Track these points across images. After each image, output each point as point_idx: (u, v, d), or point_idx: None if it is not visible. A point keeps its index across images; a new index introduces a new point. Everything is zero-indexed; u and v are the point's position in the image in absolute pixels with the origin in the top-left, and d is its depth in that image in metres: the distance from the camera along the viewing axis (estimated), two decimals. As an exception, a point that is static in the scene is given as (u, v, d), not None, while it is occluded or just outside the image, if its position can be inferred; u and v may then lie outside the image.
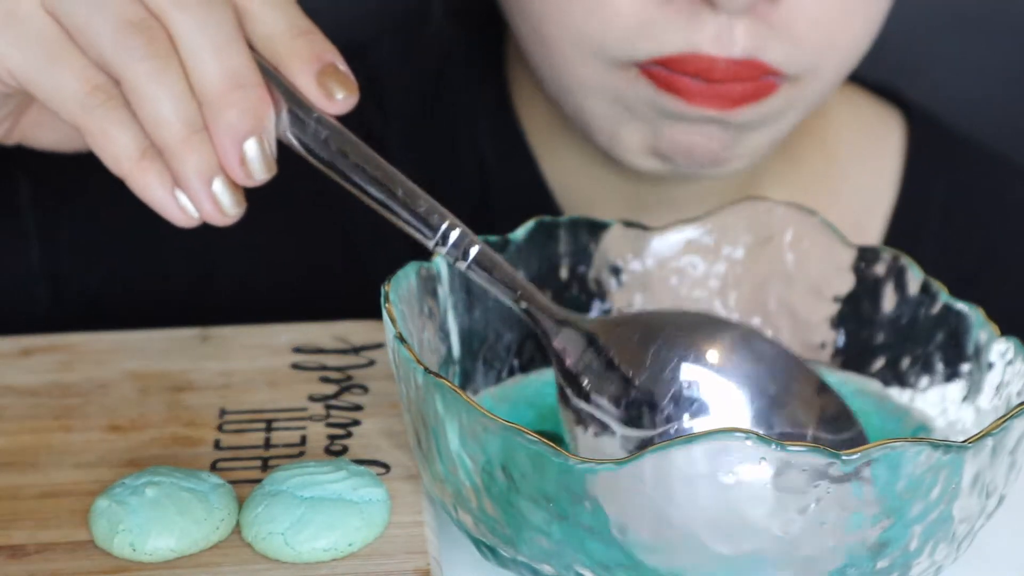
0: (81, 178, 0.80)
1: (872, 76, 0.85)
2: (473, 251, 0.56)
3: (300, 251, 0.80)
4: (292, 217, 0.80)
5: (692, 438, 0.47)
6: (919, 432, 0.60)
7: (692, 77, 0.66)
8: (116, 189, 0.79)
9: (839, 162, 0.82)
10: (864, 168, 0.83)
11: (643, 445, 0.56)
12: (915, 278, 0.61)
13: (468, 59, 0.82)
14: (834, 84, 0.71)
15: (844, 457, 0.47)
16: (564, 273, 0.63)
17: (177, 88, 0.51)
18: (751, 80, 0.66)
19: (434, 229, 0.55)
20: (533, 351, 0.63)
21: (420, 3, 0.89)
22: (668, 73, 0.66)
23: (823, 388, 0.59)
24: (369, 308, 0.61)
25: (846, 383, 0.63)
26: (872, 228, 0.82)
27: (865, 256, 0.63)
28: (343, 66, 0.53)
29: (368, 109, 0.82)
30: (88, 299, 0.79)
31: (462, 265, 0.56)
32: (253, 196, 0.83)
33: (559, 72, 0.70)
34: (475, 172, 0.81)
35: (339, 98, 0.53)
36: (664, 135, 0.69)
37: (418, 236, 0.55)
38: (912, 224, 0.82)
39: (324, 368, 0.64)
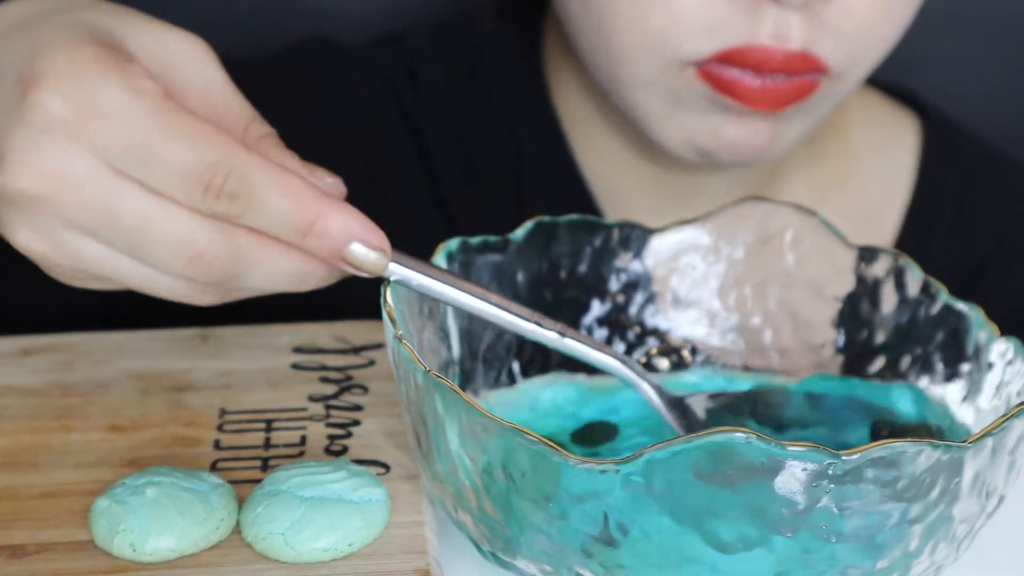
0: None
1: (872, 75, 0.86)
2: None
3: (394, 227, 0.81)
4: (349, 179, 0.81)
5: (692, 438, 0.47)
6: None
7: (748, 71, 0.69)
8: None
9: (858, 157, 0.85)
10: (881, 163, 0.86)
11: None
12: (915, 278, 0.61)
13: (504, 47, 0.84)
14: (865, 78, 0.74)
15: (844, 457, 0.47)
16: (564, 273, 0.63)
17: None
18: (800, 72, 0.69)
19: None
20: (533, 352, 0.63)
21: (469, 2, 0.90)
22: (725, 74, 0.70)
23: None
24: (369, 308, 0.61)
25: (846, 383, 0.63)
26: (889, 220, 0.85)
27: (865, 256, 0.63)
28: (364, 233, 0.53)
29: (405, 94, 0.83)
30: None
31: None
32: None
33: (619, 67, 0.72)
34: (511, 158, 0.82)
35: (377, 269, 0.53)
36: (712, 129, 0.72)
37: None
38: (927, 216, 0.85)
39: (324, 368, 0.64)
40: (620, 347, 0.64)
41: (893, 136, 0.86)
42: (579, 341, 0.58)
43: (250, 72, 0.83)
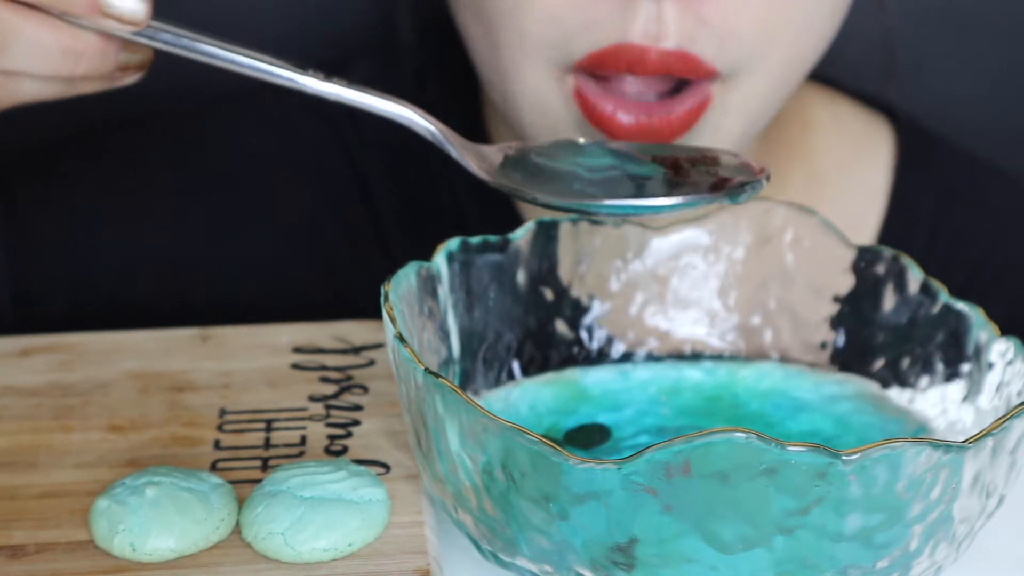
0: (78, 180, 0.80)
1: (868, 76, 0.85)
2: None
3: (300, 251, 0.80)
4: (292, 217, 0.80)
5: (693, 438, 0.47)
6: (919, 433, 0.60)
7: (623, 74, 0.65)
8: (118, 190, 0.80)
9: (826, 179, 0.81)
10: (852, 184, 0.82)
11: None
12: (915, 278, 0.61)
13: (443, 84, 0.81)
14: (780, 85, 0.69)
15: (844, 457, 0.47)
16: (564, 273, 0.63)
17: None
18: (681, 73, 0.65)
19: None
20: (533, 351, 0.63)
21: (387, 26, 0.87)
22: (599, 104, 0.66)
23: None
24: (369, 308, 0.61)
25: (845, 383, 0.63)
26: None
27: (865, 256, 0.63)
28: None
29: (347, 133, 0.81)
30: (55, 312, 0.79)
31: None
32: (254, 196, 0.83)
33: (504, 78, 0.69)
34: (451, 200, 0.80)
35: (136, 17, 0.54)
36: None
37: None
38: (900, 239, 0.80)
39: (324, 368, 0.64)
40: (620, 347, 0.64)
41: (864, 153, 0.82)
42: (347, 86, 0.58)
43: (192, 113, 0.83)
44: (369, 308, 0.70)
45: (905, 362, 0.62)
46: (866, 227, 0.82)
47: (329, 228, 0.81)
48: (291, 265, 0.80)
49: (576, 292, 0.64)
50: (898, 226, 0.81)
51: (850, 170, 0.82)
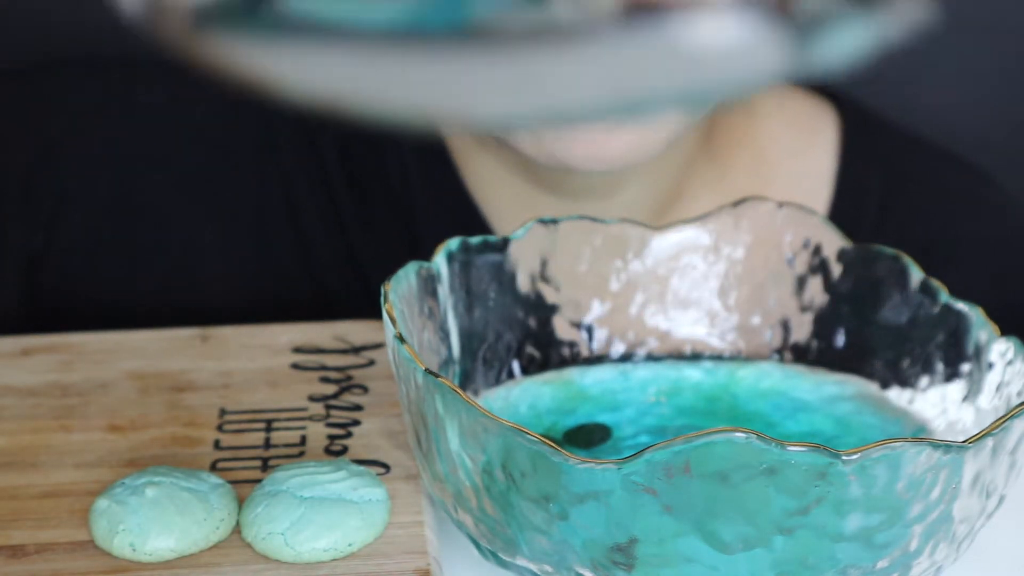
0: (78, 185, 0.80)
1: (867, 78, 0.85)
2: None
3: (299, 251, 0.80)
4: (292, 218, 0.80)
5: (693, 438, 0.47)
6: (919, 434, 0.60)
7: None
8: (118, 193, 0.80)
9: (772, 163, 0.81)
10: (798, 168, 0.81)
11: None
12: (915, 278, 0.61)
13: None
14: None
15: (844, 457, 0.47)
16: (564, 273, 0.63)
17: None
18: None
19: None
20: (533, 351, 0.63)
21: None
22: None
23: None
24: (369, 308, 0.61)
25: (845, 383, 0.63)
26: None
27: (865, 256, 0.63)
28: None
29: (308, 118, 0.81)
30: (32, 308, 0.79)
31: None
32: (254, 196, 0.83)
33: None
34: (401, 184, 0.80)
35: None
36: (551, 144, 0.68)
37: None
38: (849, 221, 0.79)
39: (324, 368, 0.64)
40: (620, 347, 0.64)
41: (810, 136, 0.81)
42: None
43: (170, 95, 0.82)
44: (342, 292, 0.69)
45: (905, 362, 0.62)
46: (815, 208, 0.79)
47: (298, 211, 0.80)
48: (310, 243, 0.80)
49: (576, 292, 0.64)
50: (846, 209, 0.80)
51: (796, 156, 0.81)
